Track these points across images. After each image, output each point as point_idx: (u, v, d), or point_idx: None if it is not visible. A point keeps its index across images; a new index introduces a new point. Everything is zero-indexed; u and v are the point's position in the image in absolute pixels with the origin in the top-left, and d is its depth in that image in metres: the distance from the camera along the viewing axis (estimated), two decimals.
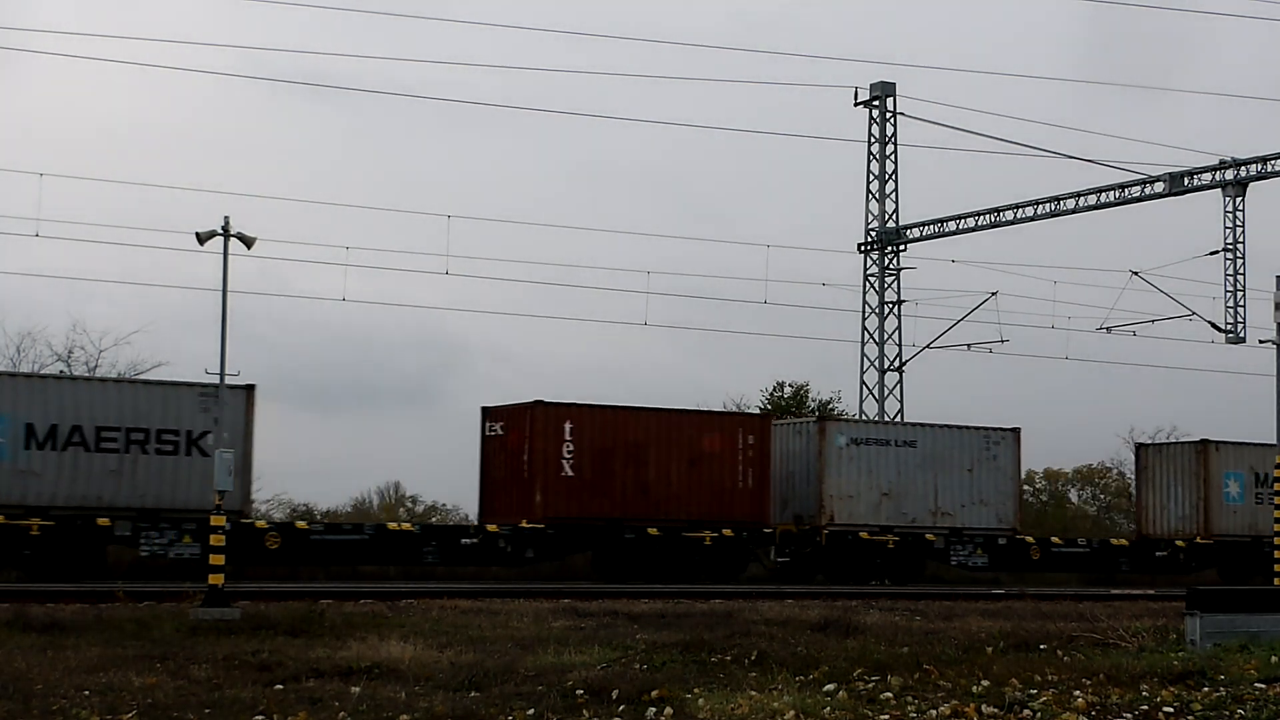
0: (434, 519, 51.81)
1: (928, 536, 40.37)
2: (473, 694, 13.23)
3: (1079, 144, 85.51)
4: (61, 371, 41.62)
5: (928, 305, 49.11)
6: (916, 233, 48.75)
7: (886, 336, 49.11)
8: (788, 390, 54.70)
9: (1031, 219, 46.35)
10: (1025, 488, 60.21)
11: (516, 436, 36.76)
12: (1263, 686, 14.03)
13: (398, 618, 21.80)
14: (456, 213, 70.14)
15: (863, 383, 49.24)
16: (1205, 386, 78.40)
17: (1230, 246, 42.80)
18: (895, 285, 49.14)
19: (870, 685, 13.70)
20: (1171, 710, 12.64)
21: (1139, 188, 44.63)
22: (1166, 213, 73.92)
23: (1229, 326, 42.98)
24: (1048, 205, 46.07)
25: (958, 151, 49.56)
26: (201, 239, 23.55)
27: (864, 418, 47.99)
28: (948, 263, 48.08)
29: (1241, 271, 42.72)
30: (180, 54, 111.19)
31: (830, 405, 54.13)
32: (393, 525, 36.20)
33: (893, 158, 48.90)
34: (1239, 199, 42.68)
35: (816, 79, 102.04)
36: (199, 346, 72.66)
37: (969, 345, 48.00)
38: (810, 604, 27.33)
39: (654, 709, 12.23)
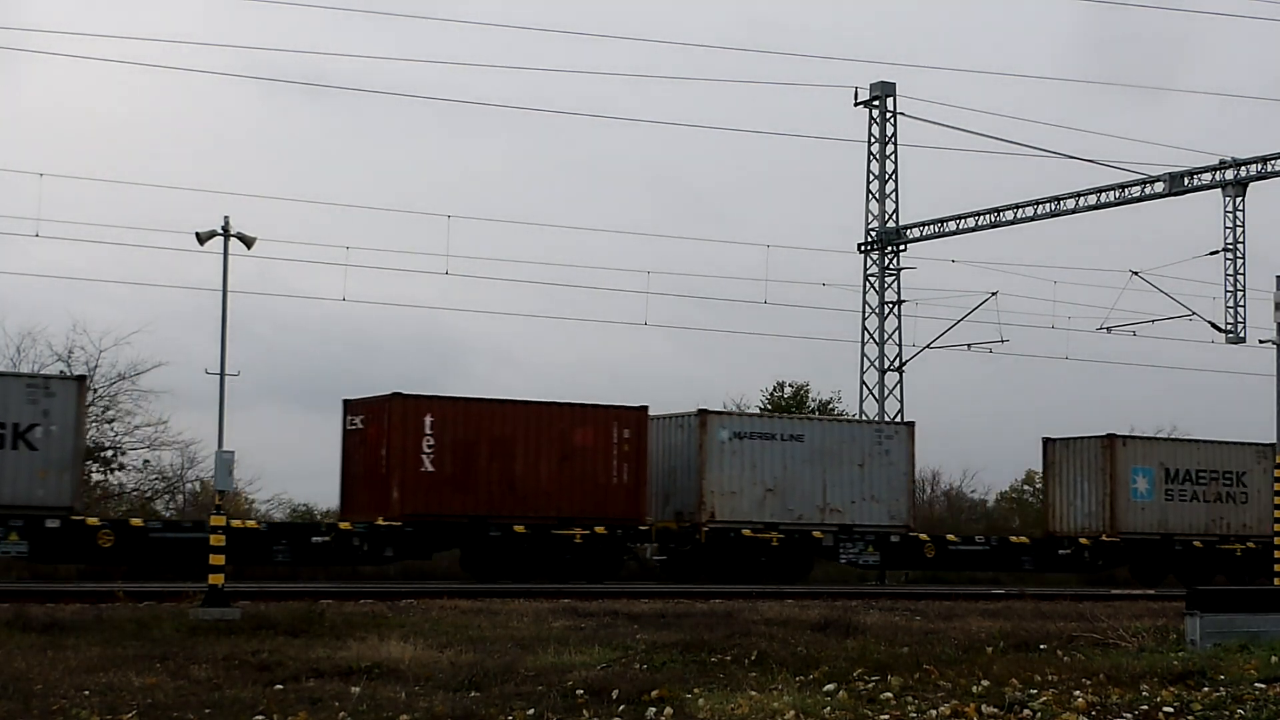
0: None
1: (815, 534, 39.13)
2: (473, 694, 13.23)
3: (1079, 144, 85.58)
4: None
5: (928, 305, 49.17)
6: (916, 233, 48.76)
7: (886, 336, 49.14)
8: (788, 390, 54.71)
9: (1031, 219, 46.36)
10: (1025, 488, 60.23)
11: (375, 431, 35.34)
12: (1263, 686, 14.03)
13: (398, 618, 21.80)
14: (456, 213, 70.12)
15: (863, 383, 49.28)
16: (1205, 386, 78.42)
17: (1230, 246, 42.81)
18: (895, 285, 49.18)
19: (870, 685, 13.70)
20: (1171, 710, 12.64)
21: (1139, 188, 44.64)
22: (1166, 213, 74.03)
23: (1229, 326, 42.99)
24: (1048, 205, 46.08)
25: (958, 151, 49.55)
26: (201, 239, 23.56)
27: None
28: (948, 263, 48.16)
29: (1241, 271, 42.75)
30: (180, 54, 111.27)
31: (830, 405, 54.15)
32: (236, 523, 33.85)
33: (893, 158, 48.93)
34: (1239, 199, 42.69)
35: (816, 79, 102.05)
36: (199, 346, 72.67)
37: (969, 345, 48.04)
38: (810, 604, 27.34)
39: (654, 709, 12.23)
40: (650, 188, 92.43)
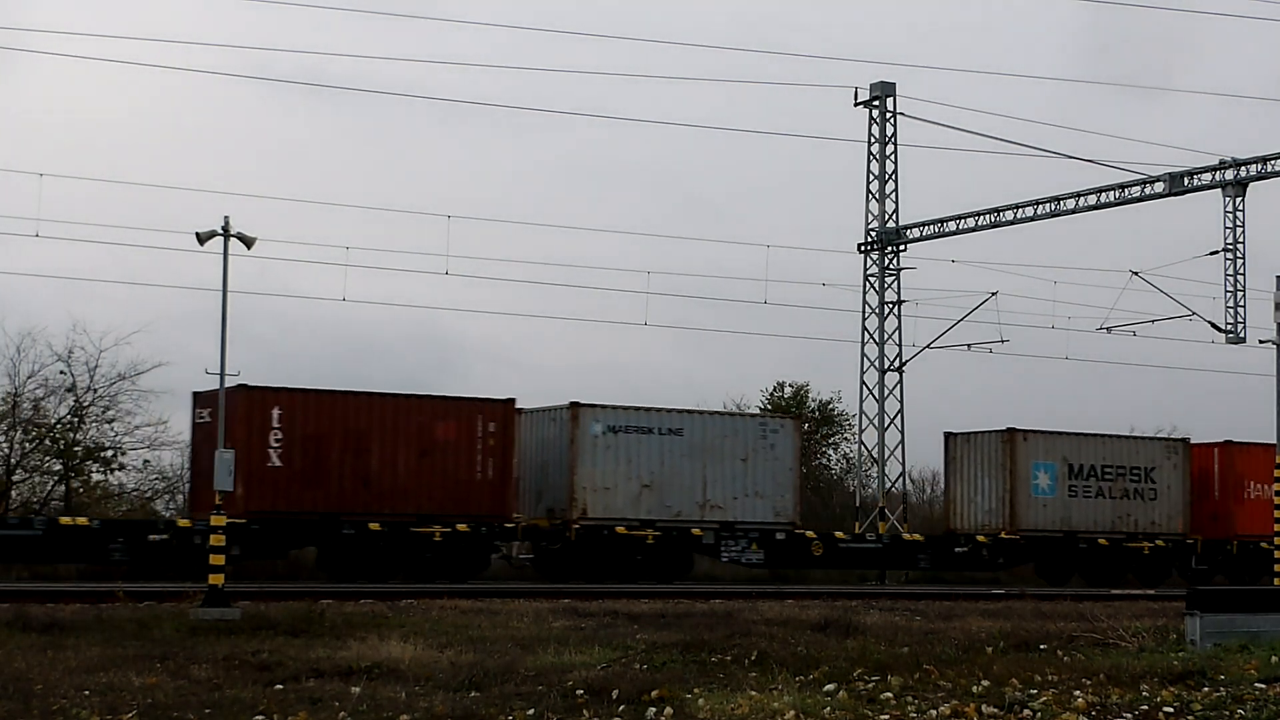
0: None
1: (694, 531, 37.88)
2: (473, 694, 13.23)
3: (1079, 144, 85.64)
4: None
5: (928, 305, 49.10)
6: (916, 233, 48.74)
7: (886, 336, 49.10)
8: (788, 390, 54.74)
9: (1031, 219, 46.33)
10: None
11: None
12: (1263, 686, 14.04)
13: (398, 618, 21.81)
14: (456, 213, 70.11)
15: (863, 383, 49.24)
16: (1205, 386, 78.45)
17: (1230, 246, 42.79)
18: (895, 285, 49.14)
19: (870, 685, 13.70)
20: (1171, 710, 12.65)
21: (1139, 188, 44.62)
22: (1166, 213, 74.01)
23: (1229, 326, 42.95)
24: (1048, 205, 46.05)
25: (958, 151, 49.58)
26: (201, 239, 23.58)
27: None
28: (948, 263, 48.07)
29: (1241, 271, 42.71)
30: (180, 54, 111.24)
31: (830, 405, 54.19)
32: (66, 520, 32.76)
33: (893, 158, 48.89)
34: (1239, 199, 42.67)
35: (816, 79, 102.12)
36: (199, 346, 72.60)
37: (969, 345, 47.98)
38: (810, 604, 27.36)
39: (654, 709, 12.23)
40: (650, 188, 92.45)
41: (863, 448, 49.08)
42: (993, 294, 46.53)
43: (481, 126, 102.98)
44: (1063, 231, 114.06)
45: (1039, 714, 12.31)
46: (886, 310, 49.13)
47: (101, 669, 14.75)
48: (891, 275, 49.16)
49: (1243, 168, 42.68)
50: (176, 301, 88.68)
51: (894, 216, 48.96)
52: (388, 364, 76.53)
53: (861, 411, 48.99)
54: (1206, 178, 43.44)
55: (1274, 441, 31.84)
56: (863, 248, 49.51)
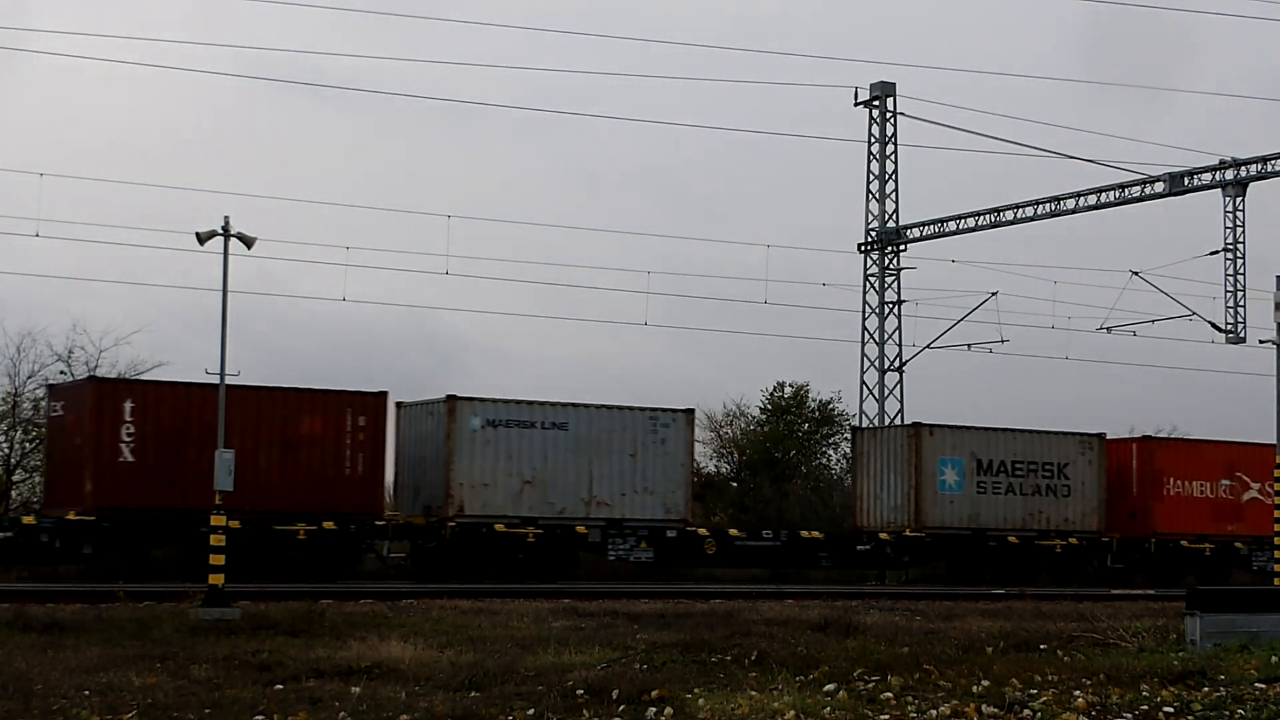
0: None
1: (579, 529, 36.25)
2: (473, 694, 13.23)
3: (1079, 144, 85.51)
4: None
5: (928, 305, 49.16)
6: (916, 233, 48.77)
7: (886, 336, 49.14)
8: (788, 390, 54.70)
9: (1031, 219, 46.39)
10: None
11: (74, 418, 32.70)
12: (1263, 686, 14.04)
13: (398, 618, 21.81)
14: (456, 213, 70.08)
15: (863, 383, 49.29)
16: (1205, 386, 78.40)
17: (1230, 246, 42.83)
18: (895, 285, 49.19)
19: (870, 685, 13.70)
20: (1171, 710, 12.65)
21: (1139, 188, 44.66)
22: (1166, 213, 73.87)
23: (1229, 326, 43.00)
24: (1048, 205, 46.10)
25: (958, 151, 49.54)
26: (201, 239, 23.58)
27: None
28: (948, 263, 48.13)
29: (1241, 271, 42.77)
30: (180, 54, 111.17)
31: (830, 405, 54.13)
32: None
33: (893, 158, 48.93)
34: (1239, 199, 42.70)
35: (816, 79, 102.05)
36: (199, 346, 72.61)
37: (969, 345, 48.05)
38: (810, 604, 27.36)
39: (654, 709, 12.23)
40: (650, 188, 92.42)
41: None
42: (993, 294, 46.63)
43: (481, 126, 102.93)
44: (1063, 231, 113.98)
45: (1039, 714, 12.31)
46: (886, 310, 49.17)
47: (101, 669, 14.75)
48: (891, 275, 49.20)
49: (1243, 168, 42.71)
50: (176, 301, 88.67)
51: (894, 216, 48.99)
52: (388, 364, 76.52)
53: (862, 411, 49.07)
54: (1206, 178, 43.48)
55: (1172, 436, 31.45)
56: (863, 248, 49.54)
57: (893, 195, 49.03)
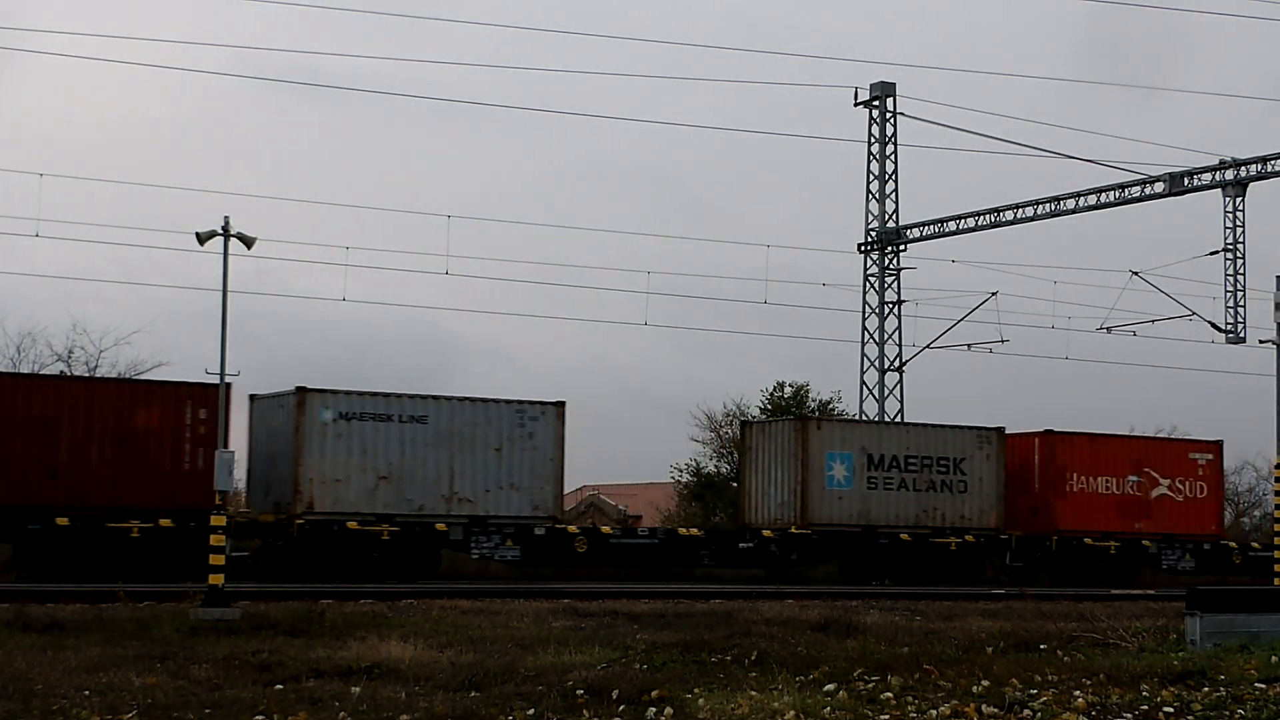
0: None
1: (439, 527, 34.92)
2: (473, 694, 13.23)
3: (1079, 144, 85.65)
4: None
5: (928, 305, 49.17)
6: (916, 233, 48.78)
7: (886, 336, 49.14)
8: (788, 390, 54.71)
9: (1031, 219, 46.40)
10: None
11: None
12: (1263, 686, 14.04)
13: (398, 618, 21.81)
14: (456, 213, 70.16)
15: (863, 383, 49.30)
16: (1205, 386, 78.50)
17: (1230, 246, 42.84)
18: (895, 285, 49.19)
19: (870, 685, 13.70)
20: (1171, 710, 12.65)
21: (1139, 188, 44.66)
22: (1166, 213, 74.13)
23: (1229, 326, 43.00)
24: (1048, 205, 46.10)
25: (958, 151, 49.74)
26: (201, 239, 23.59)
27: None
28: (948, 263, 48.17)
29: (1241, 271, 42.78)
30: (179, 54, 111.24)
31: (830, 405, 54.14)
32: None
33: (893, 158, 48.94)
34: (1239, 199, 42.71)
35: (816, 79, 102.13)
36: (199, 346, 72.75)
37: (969, 345, 48.05)
38: (810, 604, 27.38)
39: (654, 709, 12.23)
40: (650, 188, 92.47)
41: None
42: (993, 294, 46.62)
43: (481, 126, 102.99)
44: (1063, 231, 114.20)
45: (1039, 714, 12.31)
46: (886, 310, 49.17)
47: (101, 669, 14.75)
48: (891, 275, 49.20)
49: (1243, 168, 42.71)
50: (176, 301, 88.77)
51: (894, 216, 49.00)
52: (387, 364, 76.63)
53: (862, 411, 49.01)
54: (1206, 178, 43.49)
55: (1091, 430, 30.99)
56: (863, 248, 49.54)
57: (893, 195, 49.04)
